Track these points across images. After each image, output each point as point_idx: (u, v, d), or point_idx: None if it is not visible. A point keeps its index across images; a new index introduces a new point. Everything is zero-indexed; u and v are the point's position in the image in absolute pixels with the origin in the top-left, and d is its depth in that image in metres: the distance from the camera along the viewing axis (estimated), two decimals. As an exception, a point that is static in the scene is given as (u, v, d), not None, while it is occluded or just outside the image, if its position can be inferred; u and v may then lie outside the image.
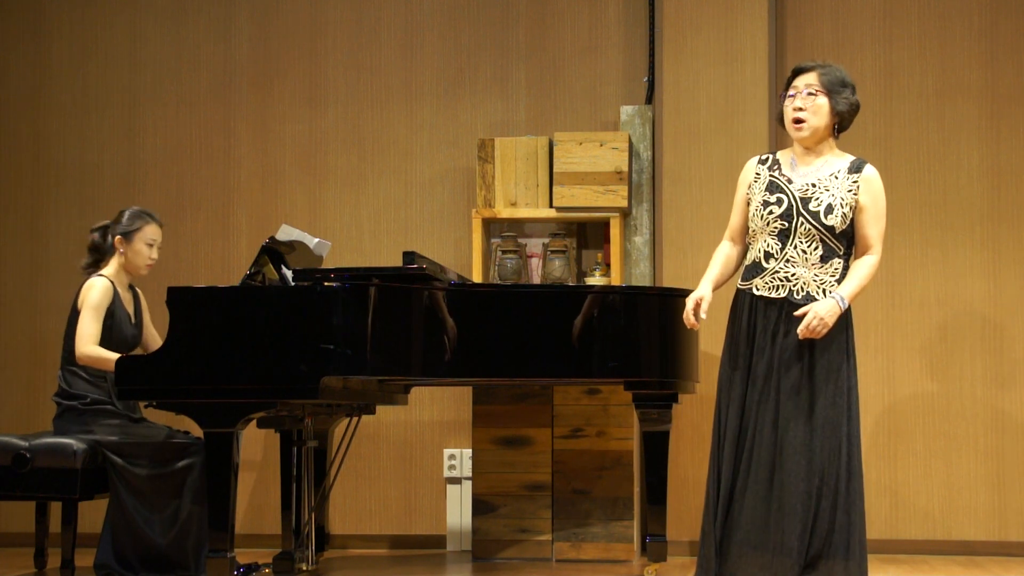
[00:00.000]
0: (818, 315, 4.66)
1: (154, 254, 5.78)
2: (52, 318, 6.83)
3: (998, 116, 6.64)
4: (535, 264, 6.70)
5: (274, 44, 7.03)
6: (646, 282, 6.55)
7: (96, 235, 5.79)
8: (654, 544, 5.72)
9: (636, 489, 6.28)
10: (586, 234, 6.75)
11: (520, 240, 6.70)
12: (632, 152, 6.59)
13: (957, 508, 6.54)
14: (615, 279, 6.50)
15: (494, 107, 6.89)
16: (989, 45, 6.66)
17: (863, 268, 4.79)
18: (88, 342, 5.54)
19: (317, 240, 5.71)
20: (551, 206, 6.51)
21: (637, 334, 5.50)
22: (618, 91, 6.82)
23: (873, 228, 4.80)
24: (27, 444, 5.47)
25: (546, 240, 6.67)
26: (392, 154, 6.94)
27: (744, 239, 4.94)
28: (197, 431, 5.31)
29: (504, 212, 6.54)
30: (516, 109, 6.88)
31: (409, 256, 5.38)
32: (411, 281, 5.28)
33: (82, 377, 5.63)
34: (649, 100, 6.72)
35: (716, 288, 4.92)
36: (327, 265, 5.81)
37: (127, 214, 5.77)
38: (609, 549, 6.24)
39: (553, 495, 6.30)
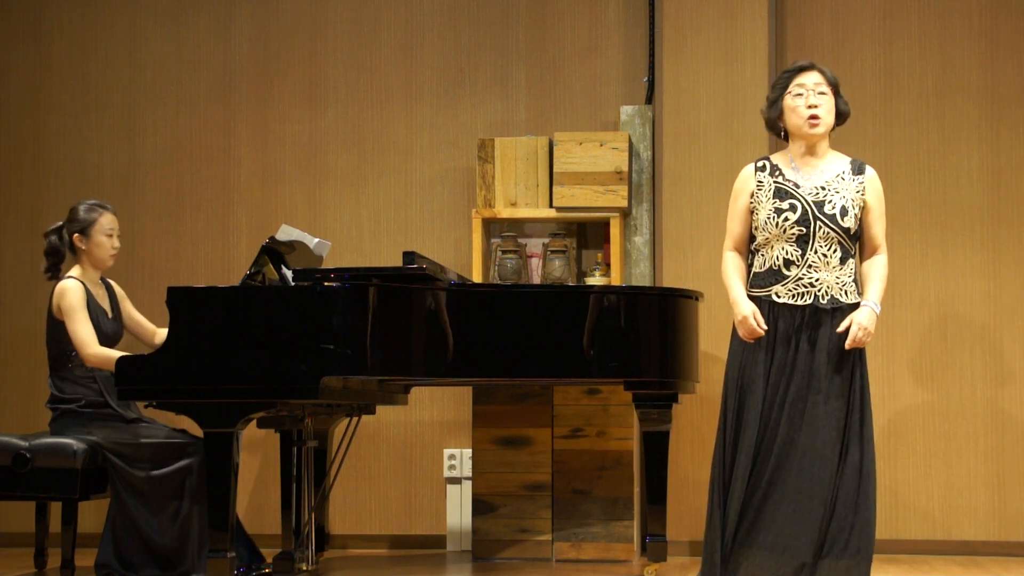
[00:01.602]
0: (862, 326, 4.69)
1: (116, 243, 5.74)
2: (52, 318, 6.83)
3: (998, 116, 6.64)
4: (535, 264, 6.70)
5: (274, 44, 7.03)
6: (646, 282, 6.55)
7: (53, 238, 5.74)
8: (654, 544, 5.72)
9: (636, 489, 6.28)
10: (586, 234, 6.75)
11: (520, 240, 6.70)
12: (632, 152, 6.59)
13: (957, 508, 6.54)
14: (615, 279, 6.50)
15: (494, 107, 6.89)
16: (989, 45, 6.66)
17: (880, 269, 4.84)
18: (92, 344, 5.53)
19: (317, 240, 5.71)
20: (551, 206, 6.51)
21: (637, 334, 5.50)
22: (618, 91, 6.82)
23: (879, 227, 4.85)
24: (27, 444, 5.47)
25: (546, 240, 6.67)
26: (392, 154, 6.94)
27: (747, 247, 4.92)
28: (197, 431, 5.31)
29: (504, 212, 6.54)
30: (516, 109, 6.88)
31: (409, 256, 5.38)
32: (411, 281, 5.27)
33: (71, 380, 5.62)
34: (649, 100, 6.72)
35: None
36: (327, 265, 5.81)
37: (79, 210, 5.71)
38: (609, 549, 6.24)
39: (553, 495, 6.30)
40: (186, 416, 5.19)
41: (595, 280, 6.52)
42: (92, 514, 6.27)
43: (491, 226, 6.68)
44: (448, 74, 6.93)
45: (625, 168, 6.47)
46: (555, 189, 6.48)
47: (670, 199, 6.54)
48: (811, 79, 4.83)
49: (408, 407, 6.62)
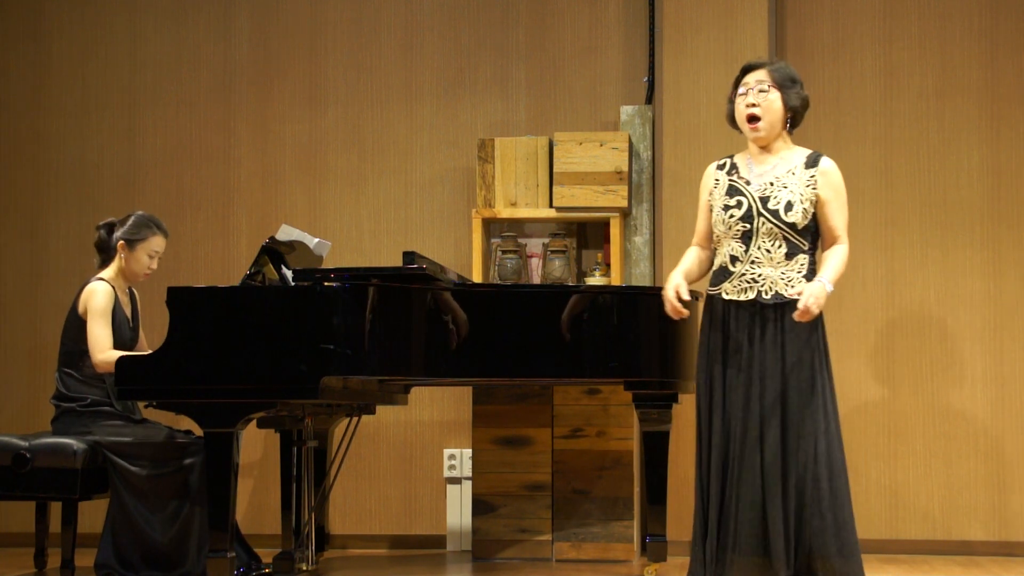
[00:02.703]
0: (813, 294, 4.63)
1: (154, 265, 5.74)
2: (52, 318, 6.82)
3: (998, 116, 6.64)
4: (535, 264, 6.70)
5: (274, 44, 7.03)
6: (646, 282, 6.55)
7: (102, 232, 5.76)
8: (654, 544, 5.72)
9: (636, 489, 6.28)
10: (586, 234, 6.76)
11: (520, 240, 6.70)
12: (632, 152, 6.59)
13: (957, 508, 6.54)
14: (615, 279, 6.50)
15: (494, 107, 6.89)
16: (989, 45, 6.66)
17: (837, 255, 4.78)
18: (104, 348, 5.53)
19: (317, 240, 5.71)
20: (551, 206, 6.51)
21: (637, 334, 5.50)
22: (618, 91, 6.82)
23: (838, 219, 4.80)
24: (27, 444, 5.47)
25: (546, 240, 6.67)
26: (392, 154, 6.94)
27: (710, 244, 4.94)
28: (197, 431, 5.31)
29: (504, 212, 6.54)
30: (516, 109, 6.88)
31: (409, 256, 5.37)
32: (411, 281, 5.27)
33: (78, 379, 5.62)
34: (649, 100, 6.72)
35: (690, 279, 4.94)
36: (327, 265, 5.81)
37: (134, 220, 5.71)
38: (609, 549, 6.24)
39: (553, 495, 6.30)
40: (186, 416, 5.19)
41: (595, 280, 6.52)
42: (92, 514, 6.27)
43: (491, 226, 6.68)
44: (448, 74, 6.93)
45: (625, 168, 6.47)
46: (555, 189, 6.48)
47: (670, 199, 6.54)
48: (754, 77, 4.83)
49: (408, 407, 6.62)
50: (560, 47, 6.88)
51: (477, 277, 6.55)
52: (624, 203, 6.47)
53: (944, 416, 6.58)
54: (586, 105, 6.84)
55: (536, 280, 6.67)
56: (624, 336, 5.46)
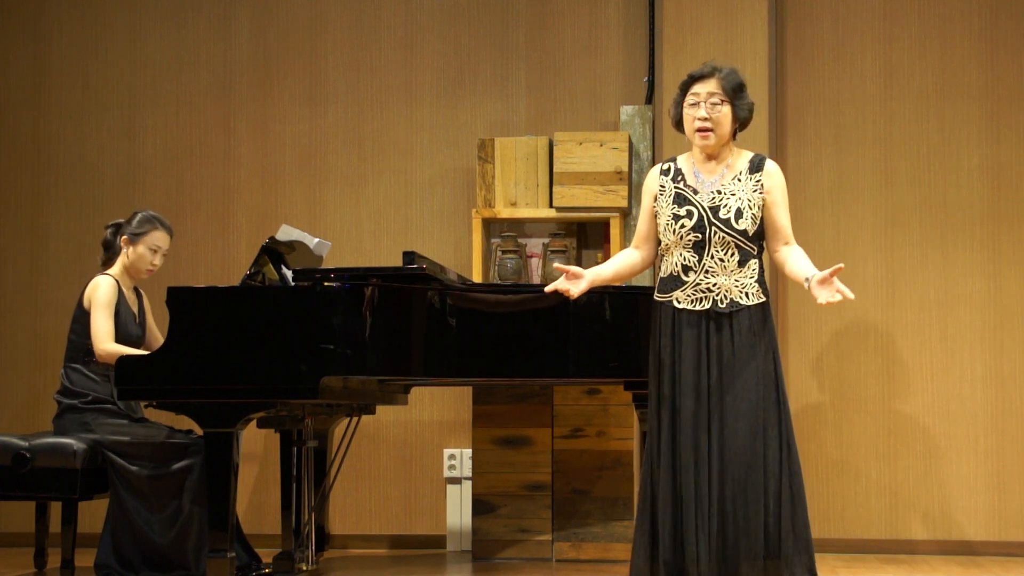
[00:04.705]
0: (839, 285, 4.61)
1: (157, 260, 5.78)
2: (52, 318, 6.83)
3: (998, 116, 6.64)
4: (535, 264, 6.71)
5: (274, 44, 7.03)
6: (645, 282, 6.55)
7: (108, 232, 5.84)
8: (654, 544, 5.71)
9: (636, 489, 6.28)
10: (586, 234, 6.76)
11: (520, 240, 6.70)
12: (632, 152, 6.59)
13: (957, 508, 6.54)
14: (615, 279, 6.50)
15: (494, 107, 6.89)
16: (989, 45, 6.67)
17: (803, 254, 4.76)
18: (106, 339, 5.56)
19: (317, 240, 5.71)
20: (551, 206, 6.52)
21: (637, 334, 5.49)
22: (618, 91, 6.83)
23: (786, 218, 4.78)
24: (27, 444, 5.47)
25: (546, 240, 6.67)
26: (392, 154, 6.94)
27: (650, 247, 4.92)
28: (197, 431, 5.31)
29: (504, 212, 6.54)
30: (516, 109, 6.88)
31: (409, 256, 5.38)
32: (411, 281, 5.27)
33: (84, 374, 5.64)
34: (649, 100, 6.72)
35: (601, 278, 4.92)
36: (327, 265, 5.81)
37: (138, 217, 5.79)
38: (609, 549, 6.25)
39: (553, 495, 6.30)
40: (186, 416, 5.19)
41: (595, 280, 6.52)
42: (92, 514, 6.27)
43: (491, 226, 6.69)
44: (448, 74, 6.93)
45: (625, 168, 6.47)
46: (555, 189, 6.48)
47: (670, 199, 6.53)
48: (706, 88, 4.76)
49: (408, 407, 6.62)
50: (560, 47, 6.88)
51: (477, 277, 6.55)
52: (624, 203, 6.48)
53: (944, 416, 6.58)
54: (586, 105, 6.84)
55: (536, 280, 6.68)
56: (624, 336, 5.46)
